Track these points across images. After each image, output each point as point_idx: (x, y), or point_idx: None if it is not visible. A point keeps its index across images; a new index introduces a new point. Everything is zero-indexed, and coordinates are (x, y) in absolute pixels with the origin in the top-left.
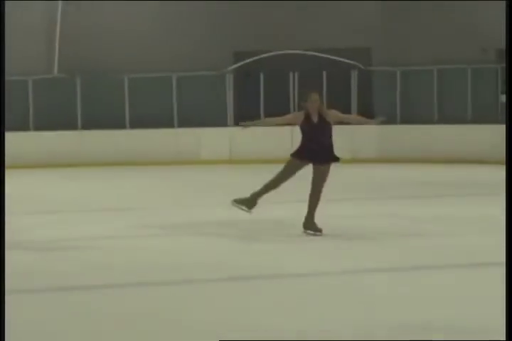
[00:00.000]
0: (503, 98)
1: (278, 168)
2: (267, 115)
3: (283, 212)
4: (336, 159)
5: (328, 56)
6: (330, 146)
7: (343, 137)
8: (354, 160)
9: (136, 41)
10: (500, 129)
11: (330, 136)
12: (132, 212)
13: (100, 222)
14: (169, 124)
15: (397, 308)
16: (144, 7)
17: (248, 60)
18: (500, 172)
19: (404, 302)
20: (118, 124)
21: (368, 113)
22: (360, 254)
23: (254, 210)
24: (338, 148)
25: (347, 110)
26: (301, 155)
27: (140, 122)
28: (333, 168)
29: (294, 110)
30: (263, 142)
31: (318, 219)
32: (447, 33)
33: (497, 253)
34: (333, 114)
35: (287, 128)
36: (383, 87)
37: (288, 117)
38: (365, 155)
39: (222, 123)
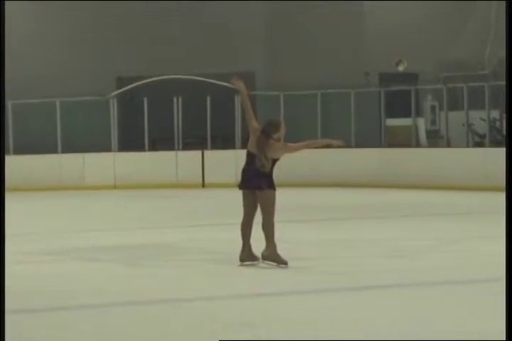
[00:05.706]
0: (389, 122)
1: (162, 192)
2: (152, 140)
3: (170, 236)
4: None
5: (212, 81)
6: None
7: (227, 160)
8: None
9: (18, 66)
10: (382, 153)
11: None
12: (16, 238)
13: None
14: (53, 150)
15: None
16: (26, 31)
17: (132, 85)
18: (384, 196)
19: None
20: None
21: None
22: (237, 278)
23: (143, 234)
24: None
25: (231, 134)
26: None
27: (24, 148)
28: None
29: (178, 134)
30: (147, 167)
31: (192, 243)
32: (330, 57)
33: (377, 275)
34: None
35: (172, 153)
36: (267, 111)
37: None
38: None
39: (107, 149)
